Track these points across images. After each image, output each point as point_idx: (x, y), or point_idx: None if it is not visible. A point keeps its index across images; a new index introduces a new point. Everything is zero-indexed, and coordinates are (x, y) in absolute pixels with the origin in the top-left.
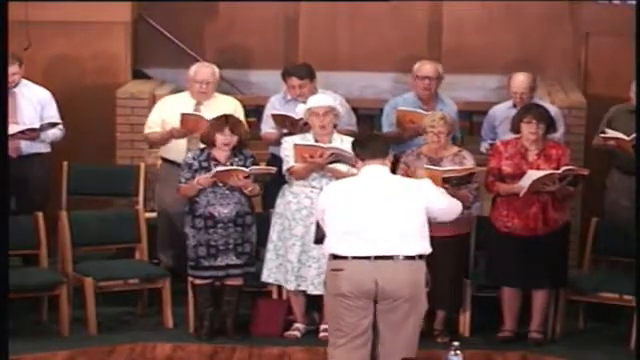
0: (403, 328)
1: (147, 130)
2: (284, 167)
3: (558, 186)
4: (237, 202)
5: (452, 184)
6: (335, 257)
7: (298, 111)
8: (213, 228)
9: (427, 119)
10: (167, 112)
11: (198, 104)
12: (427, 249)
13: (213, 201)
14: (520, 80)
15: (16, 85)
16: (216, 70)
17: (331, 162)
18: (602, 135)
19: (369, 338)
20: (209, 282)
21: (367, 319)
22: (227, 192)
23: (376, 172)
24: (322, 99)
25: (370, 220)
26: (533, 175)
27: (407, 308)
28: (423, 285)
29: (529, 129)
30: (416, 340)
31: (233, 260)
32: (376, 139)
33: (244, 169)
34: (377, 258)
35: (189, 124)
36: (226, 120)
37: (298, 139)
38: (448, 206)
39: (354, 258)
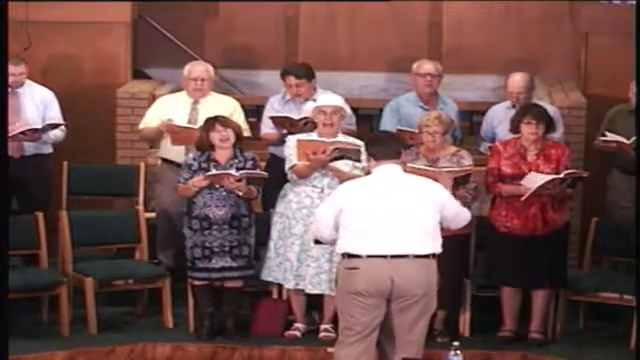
0: (414, 327)
1: (141, 126)
2: (287, 165)
3: (558, 189)
4: (233, 204)
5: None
6: (350, 256)
7: (306, 109)
8: (208, 230)
9: (422, 119)
10: (164, 111)
11: (195, 103)
12: (439, 249)
13: (209, 202)
14: (516, 80)
15: (21, 85)
16: (210, 68)
17: (335, 158)
18: (602, 138)
19: (376, 337)
20: (207, 283)
21: (378, 318)
22: (224, 194)
23: (390, 171)
24: (331, 98)
25: (386, 219)
26: (537, 180)
27: (420, 307)
28: (435, 285)
29: (529, 130)
30: (424, 339)
31: (229, 262)
32: (390, 139)
33: (234, 173)
34: (393, 257)
35: (177, 134)
36: (214, 118)
37: (302, 137)
38: (460, 213)
39: (369, 257)
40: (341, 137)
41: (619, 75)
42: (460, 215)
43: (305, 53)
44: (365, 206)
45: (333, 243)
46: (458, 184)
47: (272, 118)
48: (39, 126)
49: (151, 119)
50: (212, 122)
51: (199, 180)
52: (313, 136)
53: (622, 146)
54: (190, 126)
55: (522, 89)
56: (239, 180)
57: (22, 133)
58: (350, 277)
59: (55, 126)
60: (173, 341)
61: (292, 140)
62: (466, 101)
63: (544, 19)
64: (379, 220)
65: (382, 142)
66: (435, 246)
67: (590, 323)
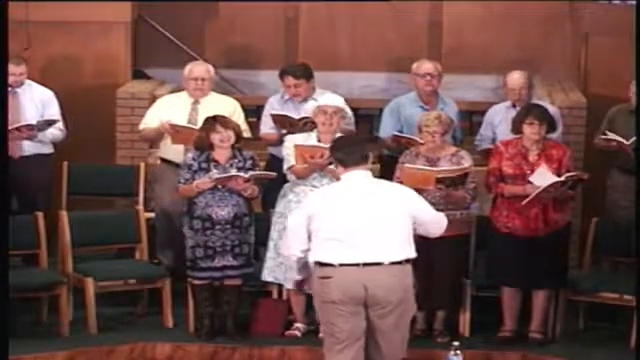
0: (395, 332)
1: (142, 126)
2: (285, 166)
3: (559, 192)
4: (235, 204)
5: (446, 185)
6: (322, 264)
7: (307, 108)
8: (211, 230)
9: (422, 118)
10: (164, 111)
11: (195, 103)
12: (413, 253)
13: (211, 202)
14: (515, 78)
15: (21, 85)
16: (210, 68)
17: (332, 162)
18: (603, 137)
19: (363, 342)
20: (207, 283)
21: (361, 324)
22: (226, 194)
23: (360, 178)
24: (333, 99)
25: (357, 227)
26: (546, 177)
27: (398, 313)
28: (412, 289)
29: (531, 130)
30: (406, 341)
31: (230, 261)
32: (356, 144)
33: (243, 175)
34: (365, 265)
35: (179, 134)
36: (214, 119)
37: (301, 138)
38: (435, 218)
39: (342, 265)
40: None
41: (619, 75)
42: (437, 222)
43: (305, 53)
44: (335, 214)
45: (300, 260)
46: (456, 184)
47: (273, 116)
48: (33, 122)
49: (151, 119)
50: (212, 123)
51: (204, 182)
52: (312, 136)
53: (622, 146)
54: (191, 126)
55: (523, 84)
56: (247, 181)
57: (17, 130)
58: (323, 287)
59: (51, 124)
60: (173, 341)
61: (290, 141)
62: (466, 101)
63: (544, 19)
64: (350, 228)
65: (349, 147)
66: (409, 251)
67: (590, 323)
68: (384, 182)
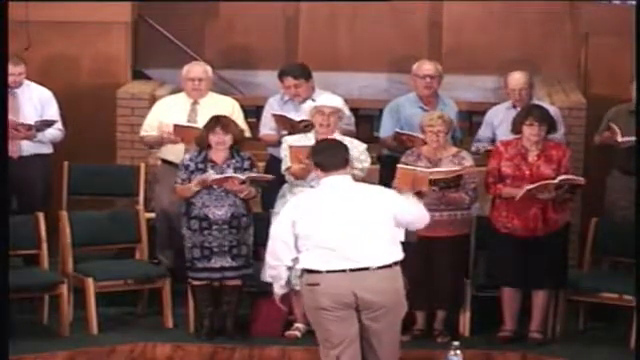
0: (389, 333)
1: (143, 133)
2: (283, 167)
3: (553, 195)
4: (232, 204)
5: (440, 186)
6: (309, 271)
7: (305, 108)
8: (208, 230)
9: (425, 118)
10: (164, 114)
11: (194, 103)
12: (400, 255)
13: (208, 203)
14: (516, 78)
15: (19, 85)
16: (208, 68)
17: None
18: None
19: (358, 345)
20: (206, 283)
21: (354, 326)
22: (222, 194)
23: (340, 183)
24: (331, 99)
25: (342, 233)
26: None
27: (390, 316)
28: (402, 290)
29: (531, 131)
30: (399, 342)
31: (229, 262)
32: (336, 147)
33: (239, 176)
34: (352, 270)
35: (183, 134)
36: (217, 120)
37: (297, 139)
38: (417, 213)
39: (329, 272)
40: (337, 138)
41: (619, 75)
42: (419, 217)
43: (305, 53)
44: (319, 220)
45: (282, 271)
46: (450, 187)
47: (274, 116)
48: (31, 122)
49: (151, 124)
50: (214, 124)
51: (200, 181)
52: (310, 137)
53: (614, 138)
54: (195, 125)
55: (524, 84)
56: (242, 182)
57: (14, 129)
58: (312, 294)
59: (49, 124)
60: (173, 341)
61: (286, 142)
62: (466, 101)
63: (544, 19)
64: (335, 234)
65: (328, 151)
66: (396, 253)
67: (590, 323)
68: (364, 185)
